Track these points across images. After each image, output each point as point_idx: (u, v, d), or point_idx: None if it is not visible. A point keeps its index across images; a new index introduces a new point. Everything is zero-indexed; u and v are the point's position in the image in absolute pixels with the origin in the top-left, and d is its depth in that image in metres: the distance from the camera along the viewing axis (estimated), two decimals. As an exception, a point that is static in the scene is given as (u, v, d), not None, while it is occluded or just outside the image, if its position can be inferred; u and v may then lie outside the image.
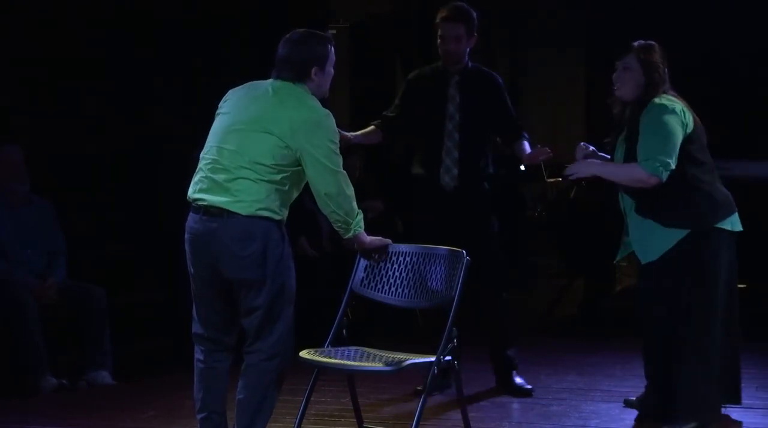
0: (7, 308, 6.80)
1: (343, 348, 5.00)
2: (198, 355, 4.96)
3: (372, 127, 6.47)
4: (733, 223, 5.53)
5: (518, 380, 6.51)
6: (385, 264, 5.14)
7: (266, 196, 4.71)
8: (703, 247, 5.42)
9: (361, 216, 4.88)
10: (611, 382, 6.95)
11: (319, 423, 5.87)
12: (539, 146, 6.34)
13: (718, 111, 9.93)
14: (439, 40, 6.34)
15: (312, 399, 5.02)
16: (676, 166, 5.28)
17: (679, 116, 5.31)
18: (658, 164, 5.24)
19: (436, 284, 5.02)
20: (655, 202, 5.38)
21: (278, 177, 4.74)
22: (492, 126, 6.42)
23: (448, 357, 4.83)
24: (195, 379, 4.96)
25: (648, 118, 5.31)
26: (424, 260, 5.08)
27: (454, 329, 4.85)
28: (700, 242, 5.41)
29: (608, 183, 5.53)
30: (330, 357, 4.88)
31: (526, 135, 6.40)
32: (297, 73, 4.82)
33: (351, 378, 5.19)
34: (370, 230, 5.05)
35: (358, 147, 7.14)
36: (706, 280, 5.45)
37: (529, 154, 6.30)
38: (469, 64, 6.41)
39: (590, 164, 5.53)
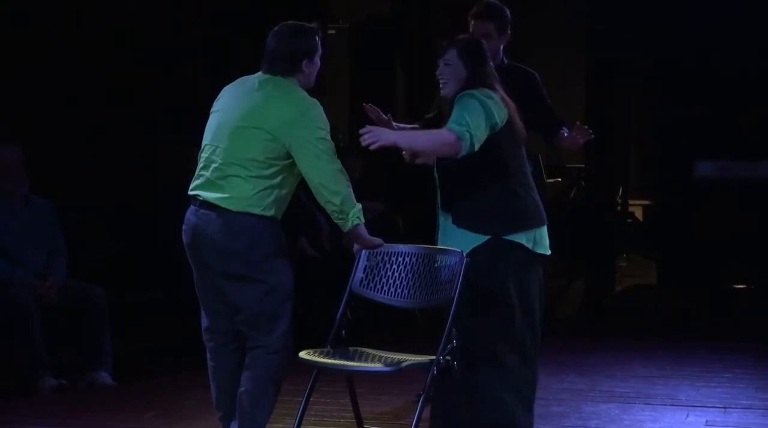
0: (8, 308, 6.80)
1: (342, 349, 5.00)
2: (207, 354, 5.04)
3: (416, 125, 6.35)
4: (535, 241, 5.06)
5: None
6: (385, 265, 5.14)
7: (255, 193, 4.79)
8: (491, 258, 4.95)
9: (359, 208, 4.87)
10: (611, 383, 6.96)
11: (318, 423, 5.87)
12: (578, 123, 6.00)
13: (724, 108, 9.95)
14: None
15: (311, 399, 5.01)
16: (479, 163, 4.93)
17: (489, 106, 4.94)
18: (466, 129, 4.80)
19: (436, 284, 5.01)
20: (454, 200, 5.07)
21: (268, 172, 4.80)
22: (529, 122, 6.16)
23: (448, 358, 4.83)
24: (210, 379, 5.05)
25: (458, 102, 4.98)
26: (423, 260, 5.06)
27: (454, 329, 4.85)
28: (490, 253, 4.96)
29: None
30: (330, 358, 4.88)
31: (565, 129, 6.07)
32: (289, 66, 4.89)
33: (350, 379, 5.18)
34: (369, 232, 5.04)
35: (357, 148, 7.08)
36: (491, 296, 4.98)
37: (568, 137, 5.97)
38: (505, 61, 6.31)
39: (391, 132, 4.93)
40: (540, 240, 5.13)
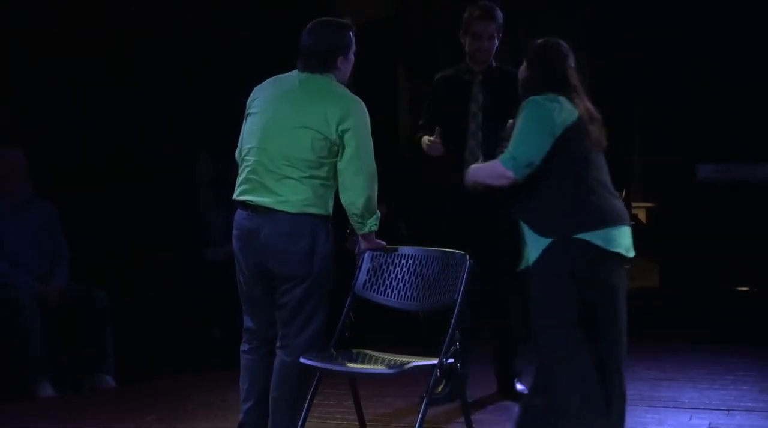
0: (9, 310, 6.79)
1: (345, 351, 5.00)
2: (244, 347, 5.04)
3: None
4: (607, 239, 4.85)
5: (519, 386, 6.45)
6: (388, 267, 5.12)
7: (313, 193, 4.79)
8: (560, 259, 4.78)
9: (378, 215, 4.90)
10: (614, 385, 6.92)
11: (321, 426, 5.86)
12: None
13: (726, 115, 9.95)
14: (470, 39, 6.24)
15: (314, 401, 5.00)
16: (546, 164, 4.82)
17: (547, 111, 4.81)
18: (512, 156, 4.75)
19: (439, 286, 4.99)
20: (525, 205, 4.94)
21: (322, 171, 4.80)
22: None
23: (451, 360, 4.81)
24: (241, 371, 5.04)
25: (519, 115, 4.89)
26: (426, 262, 5.06)
27: (457, 332, 4.83)
28: (559, 254, 4.78)
29: None
30: (333, 360, 4.87)
31: None
32: (324, 63, 4.88)
33: (354, 381, 5.18)
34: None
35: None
36: (550, 296, 4.78)
37: None
38: (493, 63, 6.29)
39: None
40: (616, 239, 4.90)
